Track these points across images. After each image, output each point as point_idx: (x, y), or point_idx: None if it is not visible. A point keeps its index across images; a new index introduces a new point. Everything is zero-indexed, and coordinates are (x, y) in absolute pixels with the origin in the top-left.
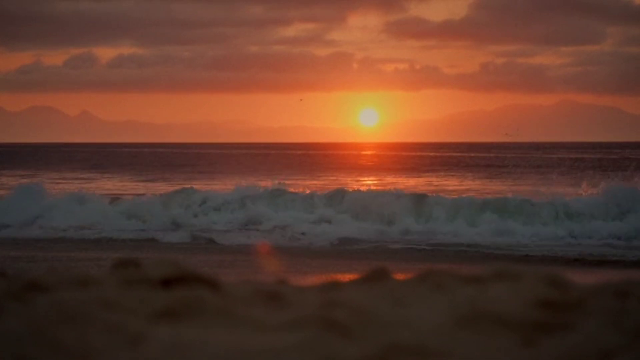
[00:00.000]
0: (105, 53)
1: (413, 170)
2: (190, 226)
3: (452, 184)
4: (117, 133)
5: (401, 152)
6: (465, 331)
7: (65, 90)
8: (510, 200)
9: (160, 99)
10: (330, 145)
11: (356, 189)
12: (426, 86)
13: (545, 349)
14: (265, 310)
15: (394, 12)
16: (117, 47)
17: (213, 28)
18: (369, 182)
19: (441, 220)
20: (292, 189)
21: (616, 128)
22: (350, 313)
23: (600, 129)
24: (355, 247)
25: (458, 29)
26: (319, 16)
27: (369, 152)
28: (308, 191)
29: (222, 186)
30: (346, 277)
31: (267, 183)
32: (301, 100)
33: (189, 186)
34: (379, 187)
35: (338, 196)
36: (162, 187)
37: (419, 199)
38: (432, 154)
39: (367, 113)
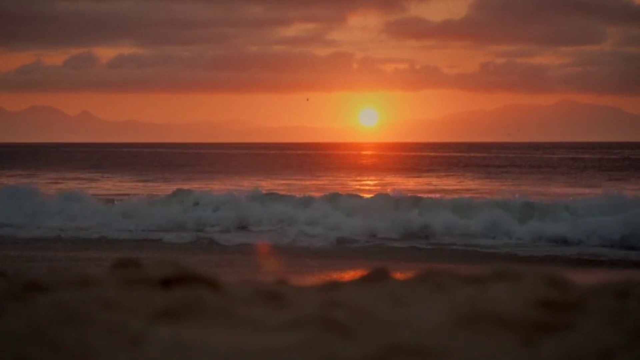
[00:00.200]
0: (105, 53)
1: (413, 171)
2: (189, 226)
3: (452, 184)
4: (117, 133)
5: (401, 152)
6: (465, 331)
7: (65, 90)
8: (510, 200)
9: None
10: (330, 145)
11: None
12: (426, 86)
13: (545, 349)
14: (265, 310)
15: (394, 12)
16: (117, 47)
17: (213, 28)
18: (369, 182)
19: (441, 220)
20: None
21: (616, 128)
22: (350, 313)
23: (600, 129)
24: (355, 247)
25: (458, 29)
26: (319, 16)
27: (368, 152)
28: (301, 195)
29: (221, 186)
30: (346, 277)
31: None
32: (307, 99)
33: (185, 187)
34: (379, 188)
35: (332, 199)
36: (163, 187)
37: (416, 201)
38: (432, 154)
39: (367, 113)
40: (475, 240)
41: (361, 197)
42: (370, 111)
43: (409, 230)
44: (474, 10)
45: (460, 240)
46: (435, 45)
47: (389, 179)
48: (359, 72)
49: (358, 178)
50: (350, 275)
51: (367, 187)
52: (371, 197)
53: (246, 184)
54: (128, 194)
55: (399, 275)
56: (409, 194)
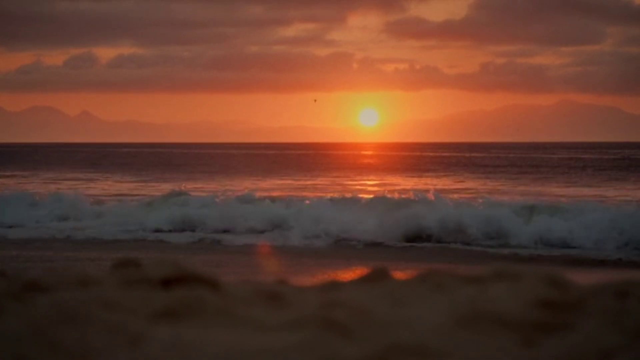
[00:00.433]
0: (105, 53)
1: (413, 171)
2: (184, 227)
3: (452, 184)
4: (117, 133)
5: (401, 152)
6: (465, 331)
7: (65, 90)
8: (510, 200)
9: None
10: (330, 145)
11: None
12: (426, 86)
13: (545, 349)
14: (265, 310)
15: (394, 12)
16: (117, 47)
17: (213, 28)
18: (368, 183)
19: (440, 220)
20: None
21: (616, 128)
22: (350, 313)
23: (600, 129)
24: (355, 247)
25: (458, 29)
26: (319, 16)
27: (368, 152)
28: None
29: (221, 186)
30: (346, 277)
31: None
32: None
33: (183, 188)
34: (378, 188)
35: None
36: (163, 187)
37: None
38: (432, 154)
39: (367, 113)
40: (475, 240)
41: (361, 198)
42: (370, 111)
43: (409, 230)
44: (474, 10)
45: (461, 240)
46: (435, 45)
47: (389, 179)
48: (359, 72)
49: (358, 178)
50: (350, 275)
51: (367, 187)
52: (371, 198)
53: (246, 184)
54: (128, 195)
55: (399, 275)
56: (446, 195)
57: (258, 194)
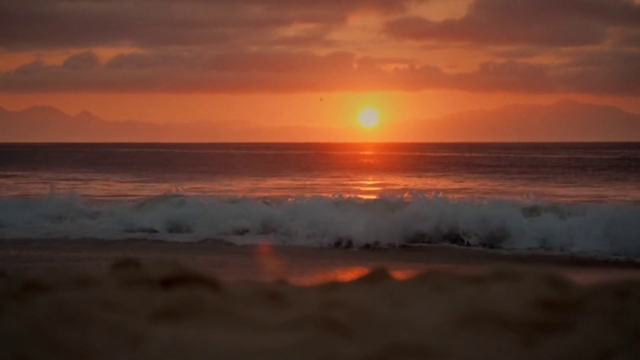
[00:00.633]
0: (105, 53)
1: (413, 171)
2: (181, 228)
3: (451, 184)
4: (117, 133)
5: (401, 152)
6: (465, 331)
7: (65, 90)
8: (510, 200)
9: (160, 99)
10: (330, 145)
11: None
12: (426, 86)
13: (545, 349)
14: (265, 310)
15: (394, 12)
16: (117, 47)
17: (213, 28)
18: (368, 183)
19: (440, 220)
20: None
21: (616, 128)
22: (350, 313)
23: (600, 129)
24: (355, 247)
25: (458, 29)
26: (319, 16)
27: (368, 152)
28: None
29: (220, 187)
30: (346, 277)
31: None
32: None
33: (182, 188)
34: (378, 188)
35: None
36: (162, 188)
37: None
38: (431, 154)
39: (367, 113)
40: (475, 240)
41: (361, 198)
42: (370, 111)
43: (409, 230)
44: (474, 10)
45: (460, 240)
46: (435, 45)
47: (389, 179)
48: (359, 72)
49: (358, 178)
50: (350, 275)
51: (367, 188)
52: (371, 198)
53: (246, 184)
54: (127, 195)
55: (399, 275)
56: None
57: (257, 195)
